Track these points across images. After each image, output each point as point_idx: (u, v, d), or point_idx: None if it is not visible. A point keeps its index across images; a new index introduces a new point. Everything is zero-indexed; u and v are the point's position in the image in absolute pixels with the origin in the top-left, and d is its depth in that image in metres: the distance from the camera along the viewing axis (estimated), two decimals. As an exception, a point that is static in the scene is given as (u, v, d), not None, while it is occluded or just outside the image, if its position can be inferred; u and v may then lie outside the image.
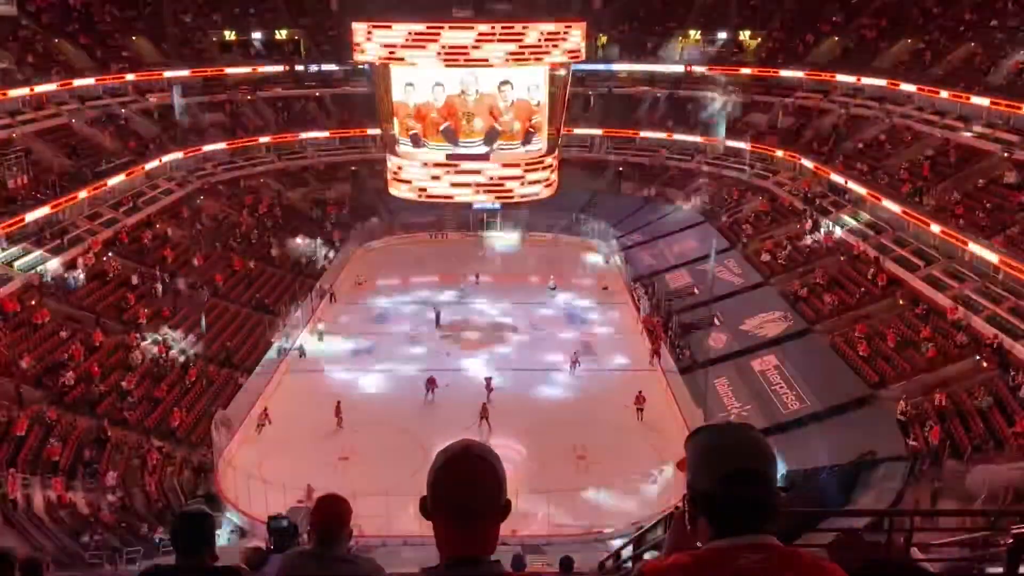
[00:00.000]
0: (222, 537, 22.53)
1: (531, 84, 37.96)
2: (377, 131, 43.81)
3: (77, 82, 43.17)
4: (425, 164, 38.27)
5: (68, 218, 36.39)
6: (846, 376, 28.56)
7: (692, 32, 54.16)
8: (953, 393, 25.42)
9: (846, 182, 40.12)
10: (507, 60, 35.93)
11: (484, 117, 38.07)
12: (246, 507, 23.55)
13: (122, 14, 49.15)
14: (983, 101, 36.80)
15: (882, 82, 43.50)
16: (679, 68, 52.93)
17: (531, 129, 38.72)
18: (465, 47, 35.34)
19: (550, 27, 36.47)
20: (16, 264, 31.81)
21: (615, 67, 53.84)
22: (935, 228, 32.80)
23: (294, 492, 21.89)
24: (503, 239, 47.19)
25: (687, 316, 35.72)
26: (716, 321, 34.04)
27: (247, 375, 31.18)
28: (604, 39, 53.39)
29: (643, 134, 51.83)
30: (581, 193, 49.08)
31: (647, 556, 8.19)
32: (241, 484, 23.86)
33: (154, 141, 45.28)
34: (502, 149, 38.81)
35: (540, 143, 39.40)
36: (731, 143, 48.86)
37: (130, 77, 46.55)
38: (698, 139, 50.53)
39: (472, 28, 35.43)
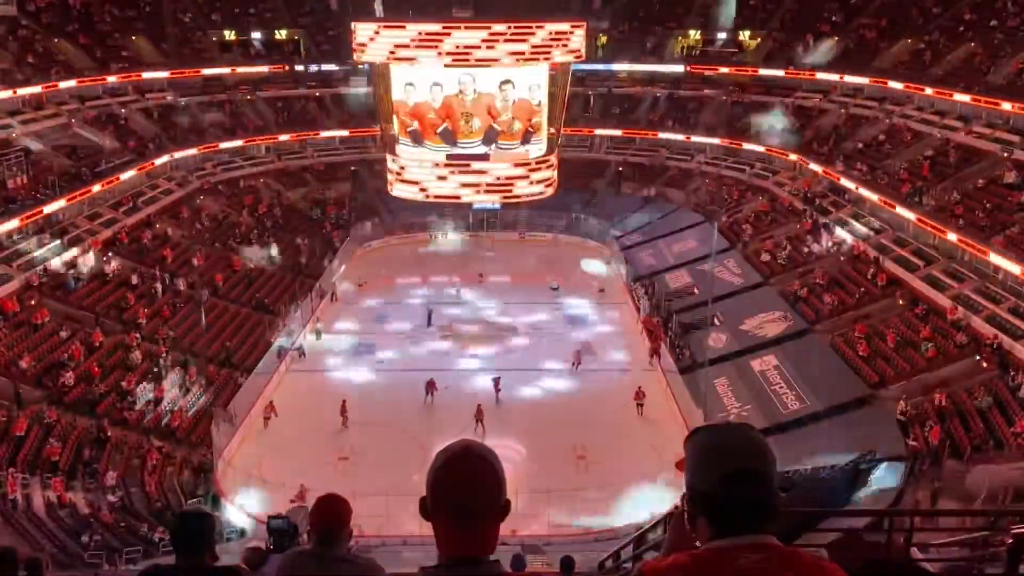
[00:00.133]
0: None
1: (532, 84, 38.00)
2: (377, 132, 43.81)
3: (63, 84, 42.99)
4: (436, 164, 38.32)
5: (68, 218, 36.38)
6: (846, 376, 28.57)
7: (692, 32, 54.16)
8: (953, 393, 25.42)
9: (839, 180, 40.15)
10: (517, 60, 36.14)
11: (482, 117, 38.09)
12: (246, 507, 23.55)
13: (122, 14, 49.14)
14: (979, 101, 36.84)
15: (893, 84, 43.40)
16: (679, 68, 52.94)
17: (530, 129, 38.75)
18: (477, 46, 35.50)
19: (562, 27, 36.76)
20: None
21: (615, 67, 53.83)
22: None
23: (294, 492, 21.92)
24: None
25: (687, 316, 35.72)
26: (716, 321, 34.03)
27: (247, 375, 31.17)
28: (604, 39, 53.40)
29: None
30: (581, 193, 49.10)
31: (647, 556, 8.19)
32: (241, 484, 23.87)
33: (154, 141, 45.27)
34: (502, 149, 38.84)
35: (540, 143, 39.45)
36: (730, 143, 48.96)
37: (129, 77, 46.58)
38: (703, 139, 50.50)
39: (488, 27, 35.61)
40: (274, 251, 41.16)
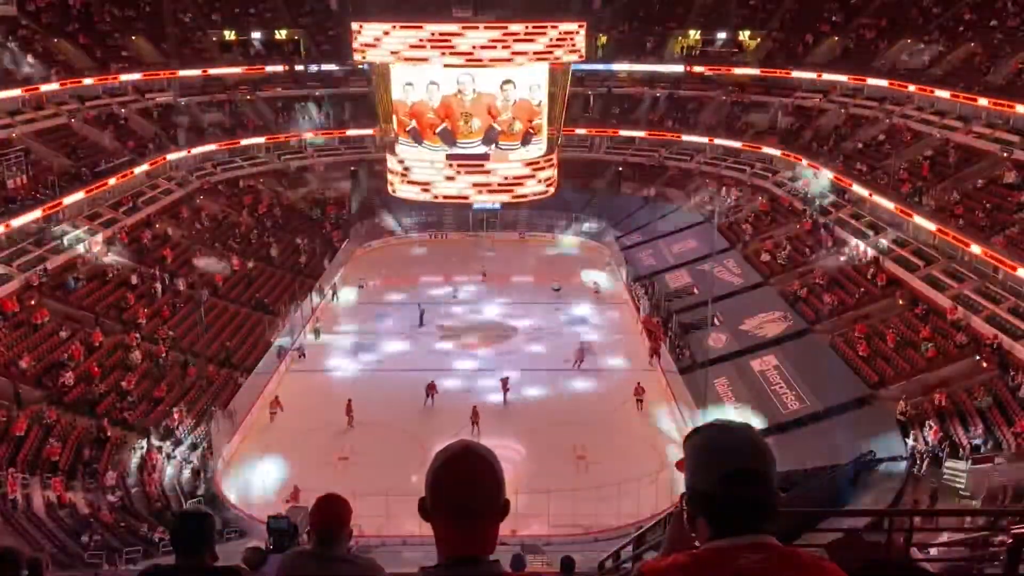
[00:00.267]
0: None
1: (532, 84, 38.04)
2: (377, 132, 43.84)
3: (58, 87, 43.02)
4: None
5: (67, 218, 36.39)
6: (846, 376, 28.57)
7: (692, 32, 54.16)
8: (953, 393, 25.43)
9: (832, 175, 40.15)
10: (530, 59, 36.56)
11: (482, 117, 38.13)
12: (246, 507, 23.56)
13: (122, 14, 49.14)
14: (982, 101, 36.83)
15: (883, 82, 43.50)
16: (679, 68, 52.95)
17: (531, 131, 38.80)
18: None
19: (570, 27, 37.04)
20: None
21: (615, 67, 53.84)
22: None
23: (287, 492, 21.93)
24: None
25: (687, 316, 35.71)
26: (716, 321, 34.03)
27: (247, 375, 31.18)
28: (604, 39, 53.40)
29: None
30: (581, 193, 49.11)
31: (647, 556, 8.18)
32: (241, 484, 23.87)
33: (154, 141, 45.27)
34: (502, 149, 38.88)
35: (540, 143, 39.52)
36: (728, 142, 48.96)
37: (130, 77, 46.57)
38: (704, 139, 50.54)
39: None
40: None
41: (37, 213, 34.25)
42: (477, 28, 35.82)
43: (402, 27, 36.26)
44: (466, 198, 40.40)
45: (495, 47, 35.80)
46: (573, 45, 37.46)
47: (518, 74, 37.54)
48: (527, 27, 36.11)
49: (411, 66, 37.43)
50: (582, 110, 52.29)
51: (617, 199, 50.03)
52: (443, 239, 48.24)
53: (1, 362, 26.81)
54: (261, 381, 30.82)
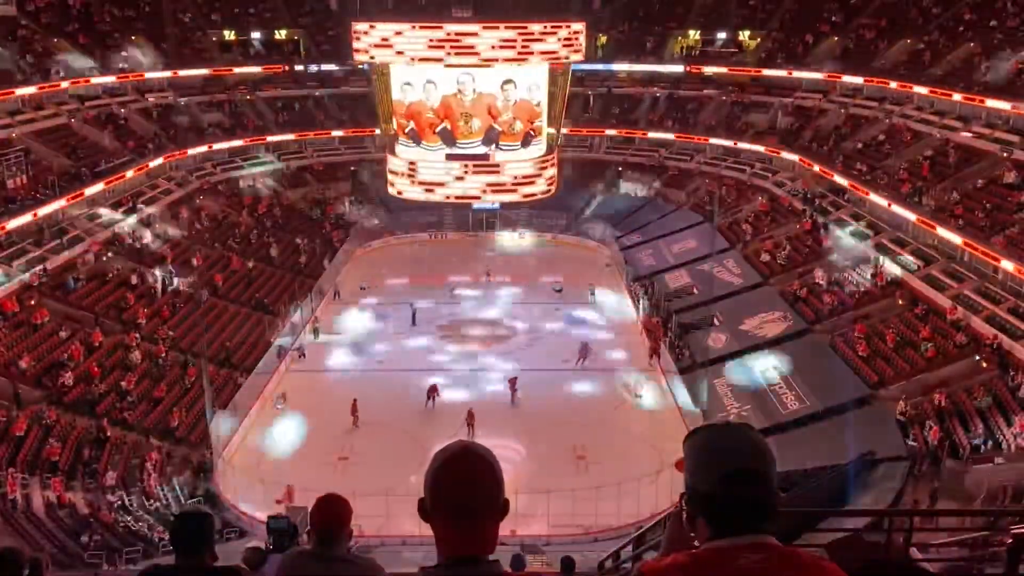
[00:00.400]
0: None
1: (531, 84, 38.06)
2: (376, 132, 43.85)
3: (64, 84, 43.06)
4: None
5: (67, 218, 36.40)
6: (846, 376, 28.55)
7: (692, 32, 54.17)
8: (952, 393, 25.43)
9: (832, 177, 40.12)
10: (542, 59, 36.70)
11: (482, 117, 38.14)
12: (245, 507, 23.55)
13: (122, 14, 49.15)
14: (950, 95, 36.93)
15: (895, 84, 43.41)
16: (679, 68, 52.97)
17: (532, 132, 38.84)
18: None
19: (578, 26, 37.22)
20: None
21: (615, 67, 53.85)
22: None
23: (280, 492, 21.94)
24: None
25: (687, 316, 35.72)
26: (716, 321, 34.04)
27: (247, 375, 31.18)
28: (604, 39, 53.42)
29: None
30: (581, 193, 49.10)
31: (647, 556, 8.18)
32: (240, 484, 23.87)
33: (153, 141, 45.27)
34: (502, 150, 38.90)
35: (540, 144, 39.57)
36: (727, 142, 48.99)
37: (129, 77, 46.62)
38: (704, 140, 50.55)
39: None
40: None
41: (29, 216, 34.23)
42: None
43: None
44: (478, 198, 40.49)
45: (508, 47, 36.02)
46: (578, 44, 37.60)
47: (519, 74, 37.55)
48: (545, 27, 36.51)
49: (410, 66, 37.43)
50: (582, 110, 52.31)
51: (617, 199, 50.05)
52: (443, 239, 48.25)
53: (1, 362, 26.80)
54: (261, 381, 30.82)
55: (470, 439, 25.21)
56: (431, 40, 35.90)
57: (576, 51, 37.88)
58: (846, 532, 5.15)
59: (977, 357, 26.67)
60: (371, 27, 37.24)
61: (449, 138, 38.45)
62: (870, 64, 44.79)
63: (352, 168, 50.69)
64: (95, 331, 30.08)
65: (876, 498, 20.93)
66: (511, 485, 2.03)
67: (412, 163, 39.25)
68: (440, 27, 35.92)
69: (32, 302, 29.91)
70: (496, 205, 44.24)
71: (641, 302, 38.13)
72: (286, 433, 27.57)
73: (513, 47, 36.15)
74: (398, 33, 36.25)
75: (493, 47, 35.81)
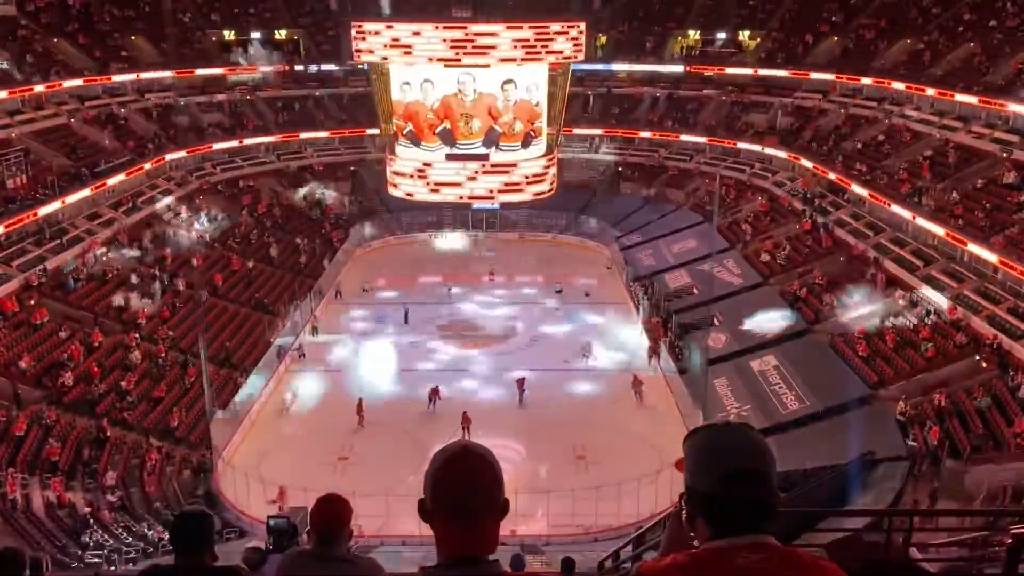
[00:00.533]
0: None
1: (530, 84, 38.05)
2: (376, 131, 43.82)
3: (71, 82, 43.13)
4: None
5: (67, 218, 36.40)
6: (846, 376, 28.55)
7: (692, 32, 54.18)
8: (952, 393, 25.43)
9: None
10: (541, 58, 36.80)
11: (483, 118, 38.10)
12: (245, 507, 23.55)
13: (121, 14, 49.15)
14: (967, 98, 36.85)
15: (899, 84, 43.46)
16: (679, 68, 52.98)
17: (532, 132, 38.83)
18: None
19: (581, 25, 37.53)
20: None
21: (614, 67, 53.85)
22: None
23: (293, 492, 21.89)
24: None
25: (687, 316, 35.71)
26: (716, 321, 34.02)
27: (247, 375, 31.17)
28: (604, 39, 53.42)
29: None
30: (581, 193, 49.09)
31: (647, 556, 8.18)
32: (240, 484, 23.86)
33: (153, 141, 45.27)
34: (502, 150, 38.90)
35: (540, 144, 39.58)
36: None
37: (129, 77, 46.61)
38: (703, 140, 50.58)
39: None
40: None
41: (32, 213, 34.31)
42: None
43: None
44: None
45: (528, 47, 36.26)
46: (581, 44, 37.75)
47: (519, 74, 37.54)
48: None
49: (409, 65, 37.39)
50: (582, 110, 52.31)
51: (617, 199, 50.05)
52: (442, 239, 48.25)
53: (1, 362, 26.80)
54: (261, 381, 30.78)
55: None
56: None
57: (579, 51, 38.03)
58: (846, 532, 5.15)
59: (977, 357, 26.67)
60: (388, 26, 36.64)
61: (449, 139, 38.43)
62: (870, 64, 44.80)
63: (352, 168, 50.69)
64: (95, 331, 30.08)
65: (876, 498, 20.93)
66: (511, 485, 2.03)
67: (428, 163, 39.20)
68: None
69: (32, 302, 29.92)
70: (496, 205, 44.22)
71: (641, 302, 38.13)
72: (286, 433, 27.58)
73: (534, 47, 36.37)
74: (416, 33, 36.06)
75: (514, 46, 35.97)
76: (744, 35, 53.42)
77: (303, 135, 51.46)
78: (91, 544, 20.54)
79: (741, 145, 48.40)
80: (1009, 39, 38.59)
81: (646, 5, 55.27)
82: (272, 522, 6.69)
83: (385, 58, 37.39)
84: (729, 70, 51.55)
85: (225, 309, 36.06)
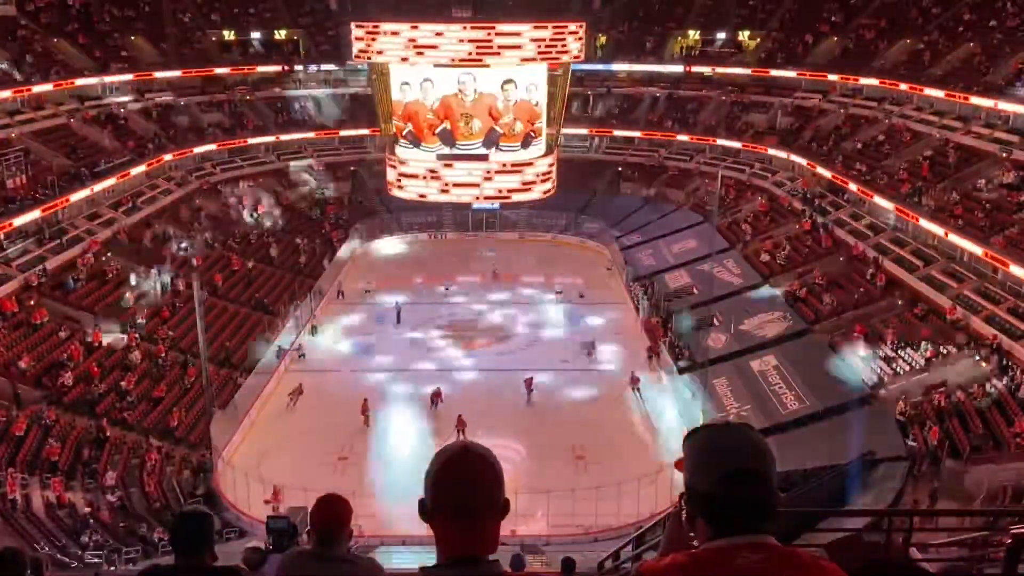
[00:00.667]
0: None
1: (529, 84, 38.07)
2: (378, 132, 43.86)
3: (78, 81, 43.20)
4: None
5: (67, 218, 36.38)
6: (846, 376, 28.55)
7: (691, 32, 54.18)
8: (952, 393, 25.41)
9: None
10: (543, 58, 37.02)
11: (483, 118, 38.10)
12: (245, 507, 23.55)
13: (121, 14, 49.14)
14: (982, 101, 36.82)
15: (873, 82, 43.53)
16: (678, 68, 52.97)
17: (532, 133, 38.86)
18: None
19: (580, 26, 37.71)
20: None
21: (614, 67, 53.86)
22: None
23: (293, 492, 21.90)
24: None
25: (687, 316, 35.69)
26: (716, 321, 34.04)
27: (247, 375, 31.17)
28: (604, 39, 53.42)
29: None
30: (581, 193, 49.11)
31: (647, 556, 8.18)
32: (240, 484, 23.86)
33: (153, 141, 45.27)
34: (502, 151, 38.92)
35: (539, 144, 39.62)
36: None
37: (129, 77, 46.62)
38: (703, 140, 50.59)
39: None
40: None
41: (36, 213, 34.27)
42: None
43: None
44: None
45: (545, 44, 36.43)
46: (581, 44, 37.85)
47: (519, 74, 37.54)
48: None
49: (408, 65, 37.37)
50: (582, 110, 52.30)
51: (617, 199, 50.05)
52: (443, 239, 48.27)
53: (1, 362, 26.80)
54: (261, 381, 30.81)
55: None
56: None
57: (581, 50, 38.18)
58: (846, 532, 5.14)
59: (977, 357, 26.66)
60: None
61: (449, 139, 38.43)
62: (870, 64, 44.80)
63: (352, 168, 50.68)
64: (95, 331, 30.07)
65: (876, 498, 20.94)
66: (511, 485, 2.03)
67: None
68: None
69: (32, 302, 29.91)
70: (496, 205, 44.24)
71: (641, 302, 38.13)
72: (286, 433, 27.58)
73: (554, 46, 36.61)
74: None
75: (538, 47, 36.19)
76: (744, 35, 53.40)
77: (303, 135, 51.43)
78: (91, 544, 20.54)
79: (735, 144, 48.35)
80: (1009, 39, 38.58)
81: (646, 5, 55.26)
82: (272, 522, 6.69)
83: (404, 58, 37.04)
84: (728, 70, 51.53)
85: (225, 309, 36.05)
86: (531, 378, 29.52)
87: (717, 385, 30.01)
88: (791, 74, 48.88)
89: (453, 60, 36.18)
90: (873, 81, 43.58)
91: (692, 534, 1.94)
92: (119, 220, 38.63)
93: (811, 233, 39.32)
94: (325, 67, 52.90)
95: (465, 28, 35.92)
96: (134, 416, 27.13)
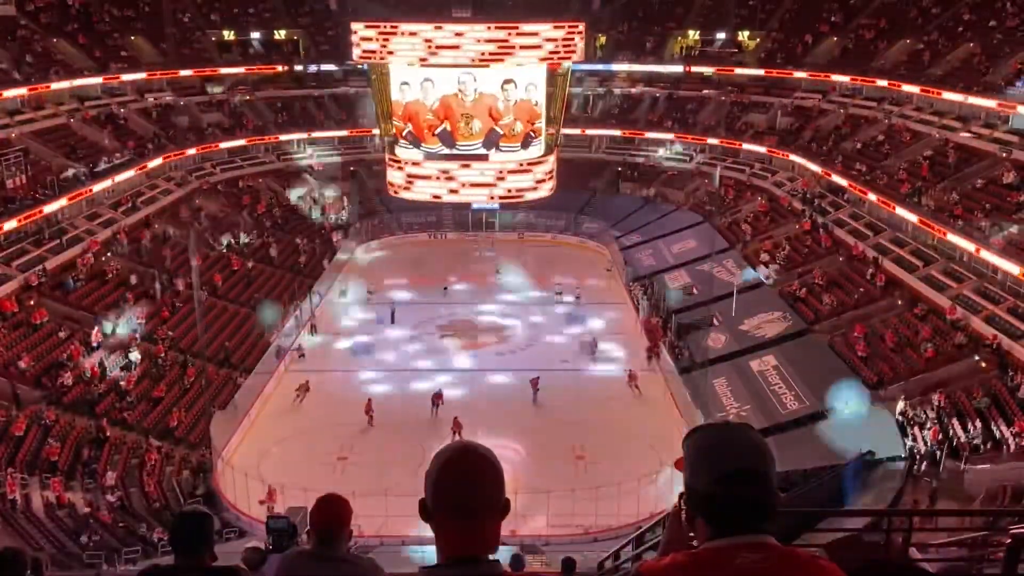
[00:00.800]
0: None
1: (529, 84, 38.04)
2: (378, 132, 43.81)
3: (77, 81, 43.19)
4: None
5: (67, 218, 36.36)
6: (846, 376, 28.53)
7: (691, 32, 54.17)
8: (952, 393, 25.42)
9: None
10: (542, 58, 37.03)
11: (483, 119, 38.04)
12: (245, 507, 23.55)
13: (121, 14, 49.15)
14: (982, 101, 36.82)
15: (882, 82, 43.51)
16: (678, 68, 52.97)
17: (532, 133, 38.82)
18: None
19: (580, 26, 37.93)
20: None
21: (614, 67, 53.86)
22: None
23: (293, 492, 21.89)
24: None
25: (686, 316, 35.71)
26: (715, 321, 34.04)
27: (246, 375, 31.17)
28: (603, 39, 53.42)
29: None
30: (581, 193, 49.10)
31: (646, 556, 8.18)
32: (240, 484, 23.86)
33: (153, 141, 45.26)
34: (502, 151, 38.89)
35: (539, 144, 39.58)
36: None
37: (129, 77, 46.62)
38: (703, 140, 50.60)
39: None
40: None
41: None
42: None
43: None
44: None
45: (553, 44, 36.56)
46: (581, 43, 37.89)
47: (519, 74, 37.52)
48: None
49: (407, 65, 37.33)
50: (582, 110, 52.29)
51: (617, 199, 50.05)
52: (442, 239, 48.26)
53: (1, 362, 26.79)
54: (260, 381, 30.80)
55: None
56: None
57: (581, 50, 38.24)
58: (846, 532, 5.15)
59: (977, 357, 26.66)
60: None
61: (449, 140, 38.40)
62: (870, 64, 44.80)
63: (352, 168, 50.69)
64: (95, 331, 30.05)
65: (876, 498, 20.96)
66: (511, 485, 2.03)
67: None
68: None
69: (31, 302, 29.90)
70: (496, 205, 44.22)
71: (641, 302, 38.12)
72: (286, 433, 27.57)
73: (567, 45, 36.76)
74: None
75: (553, 46, 36.26)
76: (744, 35, 53.40)
77: (303, 135, 51.43)
78: (91, 544, 20.54)
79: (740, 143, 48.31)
80: (1009, 39, 38.58)
81: (646, 5, 55.29)
82: (272, 522, 6.68)
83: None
84: (736, 70, 51.52)
85: (225, 309, 36.04)
86: (537, 378, 29.50)
87: (717, 385, 30.01)
88: (802, 74, 48.76)
89: (473, 60, 36.17)
90: (883, 82, 43.49)
91: (692, 534, 1.94)
92: (119, 220, 38.59)
93: (811, 233, 39.32)
94: (325, 67, 52.88)
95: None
96: (134, 416, 27.12)
